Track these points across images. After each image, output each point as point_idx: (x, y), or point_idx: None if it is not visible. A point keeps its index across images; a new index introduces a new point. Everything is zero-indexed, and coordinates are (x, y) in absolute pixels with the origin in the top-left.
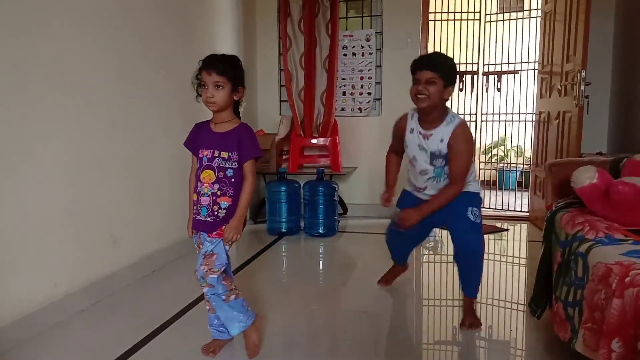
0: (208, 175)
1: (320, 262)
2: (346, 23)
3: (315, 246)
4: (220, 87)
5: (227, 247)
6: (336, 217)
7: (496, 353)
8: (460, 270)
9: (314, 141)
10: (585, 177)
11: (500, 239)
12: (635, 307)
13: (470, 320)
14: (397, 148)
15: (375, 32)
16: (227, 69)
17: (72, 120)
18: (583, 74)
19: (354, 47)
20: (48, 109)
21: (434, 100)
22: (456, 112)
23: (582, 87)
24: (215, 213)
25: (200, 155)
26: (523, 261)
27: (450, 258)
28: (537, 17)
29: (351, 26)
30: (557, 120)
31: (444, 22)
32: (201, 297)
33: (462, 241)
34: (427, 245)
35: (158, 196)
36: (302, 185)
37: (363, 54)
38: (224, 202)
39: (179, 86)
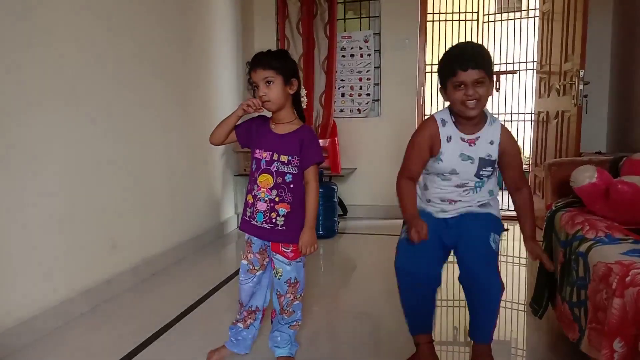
0: (266, 180)
1: (320, 264)
2: (344, 24)
3: None
4: (271, 83)
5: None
6: (336, 219)
7: (497, 353)
8: (471, 308)
9: None
10: (585, 177)
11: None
12: (635, 307)
13: None
14: (415, 170)
15: (374, 33)
16: (272, 61)
17: (70, 125)
18: (581, 73)
19: (352, 48)
20: (46, 114)
21: (484, 103)
22: None
23: (581, 87)
24: (273, 220)
25: (258, 156)
26: (523, 261)
27: (450, 259)
28: (535, 17)
29: (349, 27)
30: (556, 120)
31: (442, 23)
32: (202, 299)
33: (476, 275)
34: None
35: (157, 200)
36: None
37: (361, 55)
38: (283, 209)
39: (177, 89)
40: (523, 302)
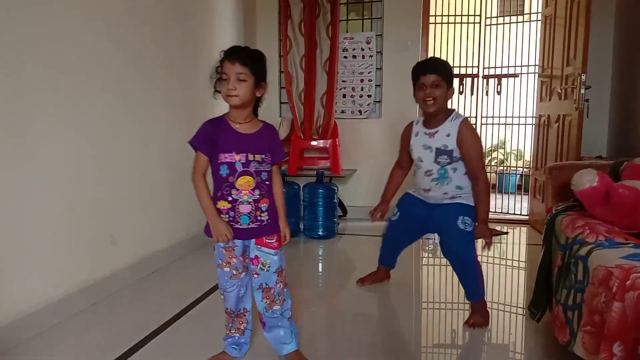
0: (247, 182)
1: (320, 265)
2: (346, 25)
3: (314, 248)
4: (243, 80)
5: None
6: (335, 220)
7: (495, 356)
8: (458, 277)
9: (313, 143)
10: (586, 180)
11: (500, 242)
12: (636, 311)
13: (474, 318)
14: (403, 159)
15: (376, 35)
16: (251, 60)
17: (71, 121)
18: (583, 77)
19: (354, 49)
20: (47, 109)
21: (441, 102)
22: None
23: (582, 91)
24: (259, 218)
25: (228, 160)
26: (522, 264)
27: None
28: (537, 20)
29: (352, 29)
30: (557, 124)
31: (445, 25)
32: (201, 298)
33: (450, 251)
34: (427, 248)
35: (158, 197)
36: (301, 188)
37: (363, 57)
38: (264, 205)
39: (179, 87)
40: (522, 306)
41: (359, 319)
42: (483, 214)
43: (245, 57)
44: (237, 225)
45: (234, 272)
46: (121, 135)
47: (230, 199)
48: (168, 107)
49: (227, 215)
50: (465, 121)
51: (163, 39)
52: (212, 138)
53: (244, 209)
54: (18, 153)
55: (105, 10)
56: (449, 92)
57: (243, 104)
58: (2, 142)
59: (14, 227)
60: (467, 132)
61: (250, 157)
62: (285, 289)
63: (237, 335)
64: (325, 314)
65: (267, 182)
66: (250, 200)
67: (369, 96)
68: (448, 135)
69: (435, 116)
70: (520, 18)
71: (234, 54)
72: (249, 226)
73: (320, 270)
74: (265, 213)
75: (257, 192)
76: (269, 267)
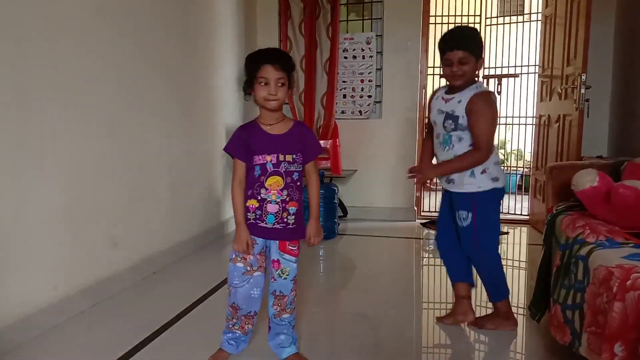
0: (276, 182)
1: (320, 265)
2: (347, 26)
3: (315, 249)
4: (283, 85)
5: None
6: (336, 220)
7: (496, 356)
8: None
9: None
10: (587, 180)
11: (500, 243)
12: (636, 311)
13: (475, 318)
14: (429, 126)
15: (376, 35)
16: (287, 64)
17: (72, 122)
18: (583, 77)
19: (354, 49)
20: (48, 111)
21: (469, 77)
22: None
23: (583, 91)
24: (285, 220)
25: (261, 161)
26: (523, 264)
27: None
28: (537, 20)
29: (352, 29)
30: (558, 124)
31: (445, 26)
32: (202, 298)
33: (463, 247)
34: (427, 248)
35: (158, 198)
36: None
37: (363, 57)
38: (292, 208)
39: (179, 89)
40: (522, 306)
41: (360, 320)
42: (447, 166)
43: (284, 62)
44: (262, 224)
45: (248, 268)
46: (121, 135)
47: (259, 197)
48: (168, 108)
49: (254, 214)
50: (481, 93)
51: (163, 39)
52: (246, 144)
53: (272, 208)
54: (19, 154)
55: (105, 11)
56: (478, 64)
57: (280, 107)
58: (2, 143)
59: (15, 228)
60: (479, 102)
61: (281, 157)
62: (295, 298)
63: (239, 332)
64: (326, 314)
65: (298, 183)
66: (278, 200)
67: (369, 96)
68: (459, 102)
69: (461, 86)
70: (520, 18)
71: (275, 59)
72: (274, 226)
73: (321, 270)
74: (292, 217)
75: (285, 192)
76: (287, 274)
